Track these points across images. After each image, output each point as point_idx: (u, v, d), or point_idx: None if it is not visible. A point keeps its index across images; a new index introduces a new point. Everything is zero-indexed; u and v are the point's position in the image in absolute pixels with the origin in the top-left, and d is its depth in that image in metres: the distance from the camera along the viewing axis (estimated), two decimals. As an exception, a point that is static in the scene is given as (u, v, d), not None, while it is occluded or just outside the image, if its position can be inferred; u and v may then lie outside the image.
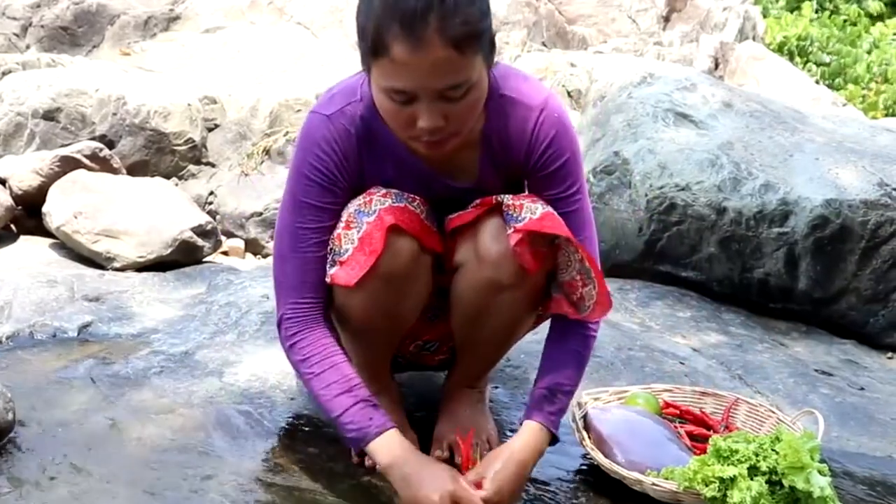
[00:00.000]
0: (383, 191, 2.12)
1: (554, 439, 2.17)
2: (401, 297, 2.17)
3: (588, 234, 2.21)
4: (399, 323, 2.25)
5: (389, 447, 2.06)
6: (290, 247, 2.15)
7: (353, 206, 2.11)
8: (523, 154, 2.15)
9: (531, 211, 2.09)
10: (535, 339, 2.45)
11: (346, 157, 2.12)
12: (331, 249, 2.12)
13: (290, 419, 2.45)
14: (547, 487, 2.27)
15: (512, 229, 2.08)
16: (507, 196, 2.13)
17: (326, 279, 2.13)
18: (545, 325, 2.28)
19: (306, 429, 2.42)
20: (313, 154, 2.12)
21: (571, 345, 2.23)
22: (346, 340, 2.25)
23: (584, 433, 2.32)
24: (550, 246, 2.14)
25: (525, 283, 2.15)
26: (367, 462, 2.23)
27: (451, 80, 1.90)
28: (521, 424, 2.17)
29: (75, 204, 3.73)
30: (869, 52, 8.99)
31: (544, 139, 2.14)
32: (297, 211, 2.14)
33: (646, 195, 3.68)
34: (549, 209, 2.11)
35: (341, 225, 2.11)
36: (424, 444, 2.31)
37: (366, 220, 2.07)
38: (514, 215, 2.09)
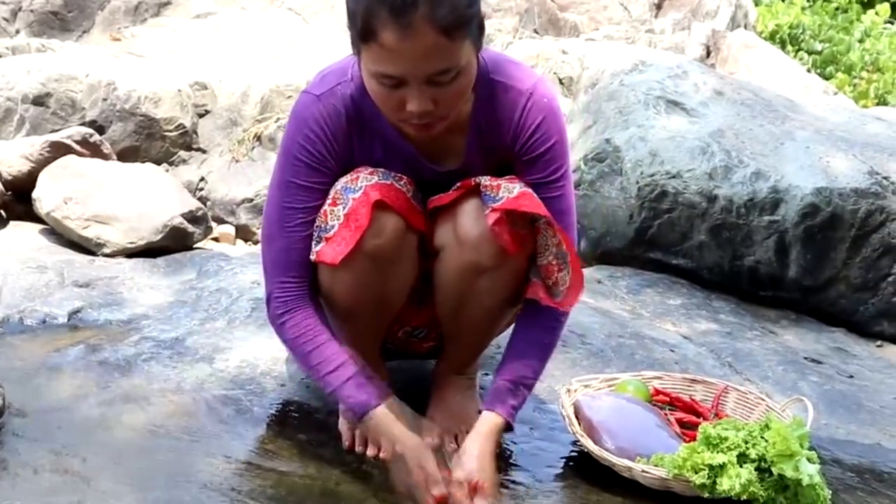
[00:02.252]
0: (370, 169, 2.14)
1: (508, 428, 2.21)
2: (387, 276, 2.18)
3: (570, 221, 2.23)
4: (386, 304, 2.25)
5: (384, 423, 2.12)
6: (278, 226, 2.17)
7: (340, 184, 2.13)
8: (510, 137, 2.17)
9: (508, 191, 2.10)
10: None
11: (335, 138, 2.14)
12: (317, 226, 2.14)
13: (281, 405, 2.45)
14: (536, 475, 2.28)
15: (489, 209, 2.09)
16: (485, 177, 2.14)
17: (312, 257, 2.15)
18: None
19: (296, 415, 2.42)
20: (303, 134, 2.14)
21: (540, 336, 2.26)
22: (335, 324, 2.25)
23: (574, 420, 2.32)
24: (530, 228, 2.15)
25: (506, 266, 2.16)
26: (358, 448, 2.24)
27: (439, 65, 1.91)
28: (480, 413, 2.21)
29: (65, 189, 3.72)
30: (861, 41, 8.98)
31: (532, 123, 2.15)
32: (284, 190, 2.16)
33: (637, 182, 3.68)
34: (528, 189, 2.13)
35: (328, 202, 2.12)
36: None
37: (352, 196, 2.09)
38: (492, 195, 2.10)
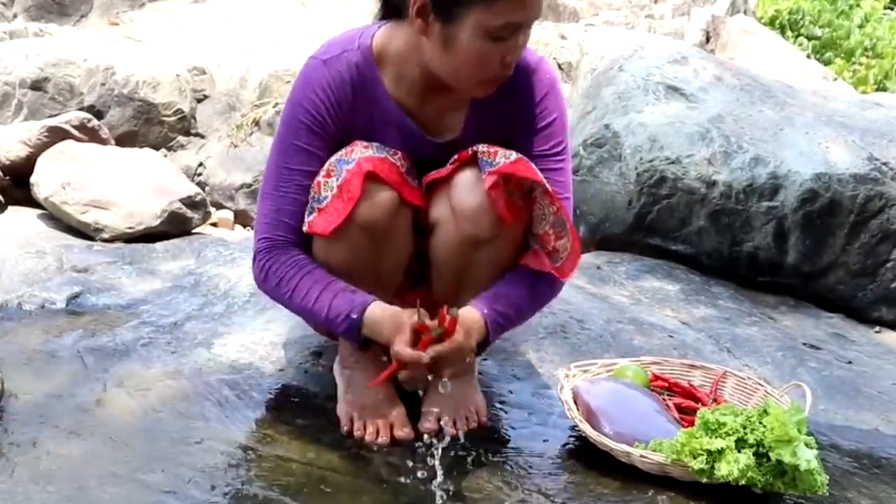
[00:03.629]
0: (365, 143, 2.16)
1: (485, 341, 2.18)
2: (381, 249, 2.19)
3: (568, 195, 2.27)
4: (381, 280, 2.25)
5: (377, 318, 2.11)
6: (273, 185, 2.20)
7: (334, 157, 2.16)
8: (514, 111, 2.22)
9: (506, 157, 2.13)
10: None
11: (338, 104, 2.17)
12: (311, 197, 2.16)
13: (279, 390, 2.45)
14: (535, 459, 2.28)
15: (486, 173, 2.10)
16: (481, 145, 2.16)
17: (305, 227, 2.17)
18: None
19: (295, 400, 2.42)
20: (307, 97, 2.17)
21: (538, 285, 2.26)
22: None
23: (573, 405, 2.32)
24: (526, 199, 2.17)
25: (503, 237, 2.18)
26: (357, 433, 2.24)
27: (540, 10, 2.07)
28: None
29: (63, 174, 3.71)
30: (860, 27, 8.96)
31: (536, 96, 2.22)
32: (284, 151, 2.20)
33: (636, 168, 3.68)
34: (524, 157, 2.14)
35: (322, 173, 2.15)
36: (412, 414, 2.32)
37: (345, 167, 2.11)
38: (489, 160, 2.13)
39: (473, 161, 2.15)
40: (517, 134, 2.23)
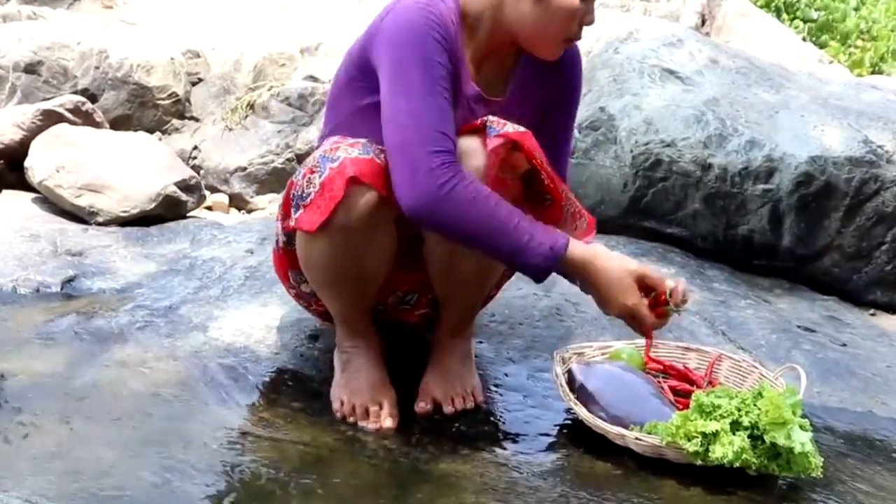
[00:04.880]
0: (351, 140, 2.16)
1: None
2: (361, 248, 2.18)
3: (566, 167, 2.47)
4: (365, 274, 2.26)
5: (584, 249, 2.15)
6: (421, 95, 2.09)
7: (318, 152, 2.16)
8: (554, 80, 2.36)
9: (514, 128, 2.16)
10: (518, 294, 2.47)
11: (445, 39, 2.15)
12: (294, 193, 2.17)
13: (275, 373, 2.46)
14: (530, 443, 2.29)
15: (491, 137, 2.14)
16: (491, 116, 2.19)
17: (291, 223, 2.19)
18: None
19: (291, 383, 2.42)
20: (427, 25, 2.13)
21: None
22: (318, 291, 2.30)
23: (568, 388, 2.32)
24: (514, 183, 2.20)
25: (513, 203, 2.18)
26: (350, 418, 2.26)
27: None
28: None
29: (58, 158, 3.70)
30: (856, 9, 8.95)
31: (574, 67, 2.41)
32: (423, 79, 2.10)
33: (631, 151, 3.68)
34: (530, 133, 2.18)
35: (304, 169, 2.16)
36: (409, 395, 2.32)
37: (329, 165, 2.11)
38: (497, 129, 2.15)
39: (476, 131, 2.17)
40: (551, 102, 2.36)
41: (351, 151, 2.13)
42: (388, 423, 2.25)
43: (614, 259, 2.19)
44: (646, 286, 2.20)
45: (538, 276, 2.14)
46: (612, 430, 2.21)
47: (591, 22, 2.22)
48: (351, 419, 2.25)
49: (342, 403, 2.28)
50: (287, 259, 2.36)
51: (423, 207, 2.05)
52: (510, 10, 2.21)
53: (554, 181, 2.23)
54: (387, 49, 2.15)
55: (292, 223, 2.19)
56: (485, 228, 2.07)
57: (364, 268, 2.23)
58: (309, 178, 2.14)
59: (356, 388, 2.29)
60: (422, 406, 2.32)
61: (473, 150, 2.15)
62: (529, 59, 2.32)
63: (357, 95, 2.27)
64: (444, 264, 2.28)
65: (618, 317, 2.23)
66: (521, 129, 2.17)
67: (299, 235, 2.21)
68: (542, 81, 2.36)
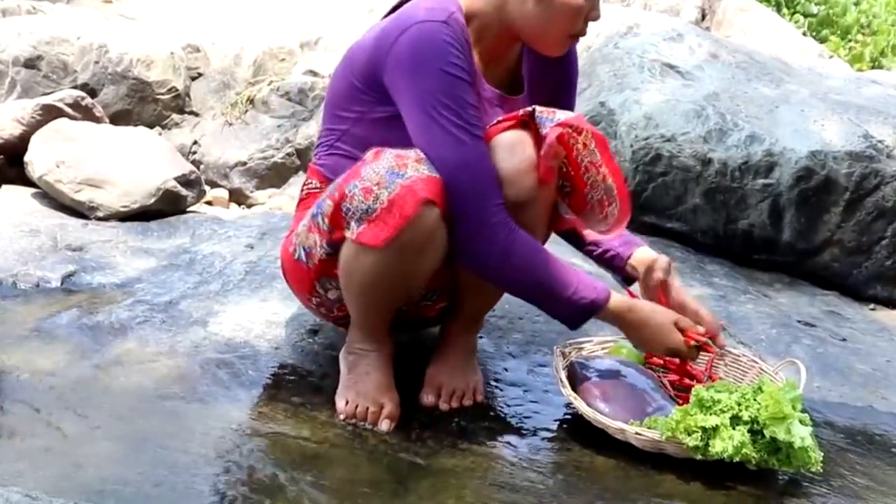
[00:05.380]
0: (415, 155, 2.11)
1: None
2: (415, 265, 2.18)
3: None
4: (410, 289, 2.28)
5: (621, 302, 2.24)
6: (465, 151, 2.12)
7: (383, 168, 2.09)
8: (558, 70, 2.40)
9: (565, 114, 2.19)
10: (519, 289, 2.46)
11: (465, 59, 2.16)
12: (354, 205, 2.10)
13: (275, 369, 2.46)
14: (529, 437, 2.29)
15: (549, 127, 2.16)
16: (538, 106, 2.20)
17: (349, 235, 2.12)
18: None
19: (291, 378, 2.42)
20: (448, 54, 2.12)
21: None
22: (348, 296, 2.25)
23: (568, 383, 2.33)
24: (554, 169, 2.22)
25: (540, 199, 2.22)
26: (351, 419, 2.25)
27: None
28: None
29: (57, 153, 3.70)
30: (857, 4, 8.94)
31: (572, 56, 2.44)
32: (455, 112, 2.12)
33: (631, 146, 3.68)
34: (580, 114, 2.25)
35: (369, 182, 2.09)
36: (409, 390, 2.32)
37: (398, 181, 2.07)
38: (549, 118, 2.17)
39: (517, 123, 2.18)
40: (559, 92, 2.39)
41: (419, 169, 2.09)
42: (384, 425, 2.24)
43: (648, 309, 2.29)
44: (680, 329, 2.30)
45: (574, 325, 2.24)
46: (612, 425, 2.21)
47: (596, 17, 2.23)
48: (351, 420, 2.25)
49: (347, 403, 2.28)
50: (322, 268, 2.26)
51: (483, 265, 2.18)
52: (514, 9, 2.21)
53: (596, 167, 2.25)
54: (408, 81, 2.14)
55: (349, 235, 2.12)
56: (534, 281, 2.18)
57: (411, 284, 2.24)
58: (376, 193, 2.07)
59: (363, 391, 2.28)
60: (426, 401, 2.35)
61: (522, 142, 2.16)
62: (530, 52, 2.34)
63: (365, 106, 2.25)
64: None
65: (666, 354, 2.37)
66: (570, 113, 2.21)
67: (353, 247, 2.14)
68: (546, 71, 2.38)
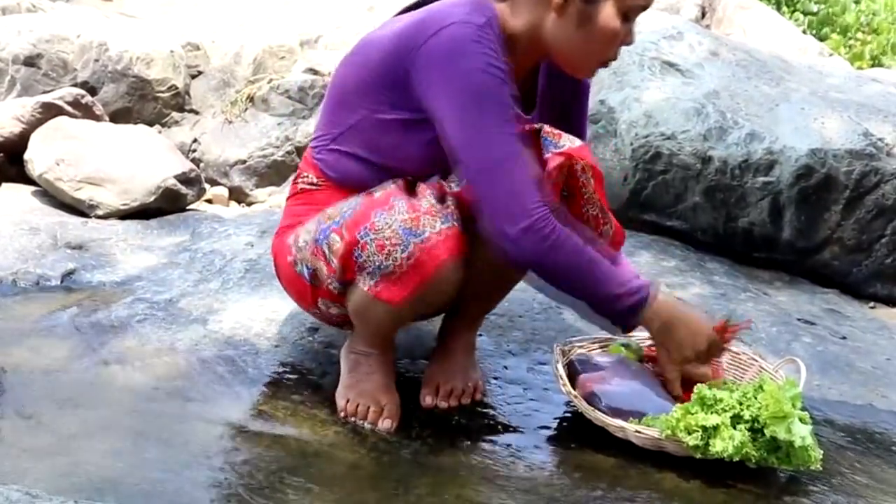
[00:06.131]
0: (427, 204, 2.09)
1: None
2: (430, 308, 2.24)
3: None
4: (417, 318, 2.30)
5: (666, 297, 2.23)
6: (506, 152, 2.08)
7: (396, 222, 2.05)
8: (570, 86, 2.37)
9: (570, 141, 2.19)
10: (518, 287, 2.46)
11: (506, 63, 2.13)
12: (370, 260, 2.08)
13: (275, 367, 2.46)
14: (529, 435, 2.29)
15: (550, 153, 2.15)
16: (545, 125, 2.20)
17: (364, 287, 2.11)
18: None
19: (291, 376, 2.42)
20: (489, 54, 2.08)
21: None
22: (359, 325, 2.26)
23: (568, 381, 2.32)
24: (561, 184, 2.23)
25: None
26: (351, 418, 2.25)
27: None
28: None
29: (57, 151, 3.70)
30: (857, 2, 8.94)
31: None
32: (497, 112, 2.08)
33: (631, 144, 3.68)
34: (586, 145, 2.24)
35: (383, 237, 2.05)
36: (414, 385, 2.32)
37: (414, 241, 2.05)
38: (554, 141, 2.17)
39: (529, 140, 2.17)
40: (570, 107, 2.38)
41: (435, 224, 2.07)
42: (386, 424, 2.24)
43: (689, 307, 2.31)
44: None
45: (628, 319, 2.20)
46: (612, 423, 2.21)
47: (630, 43, 2.21)
48: (351, 419, 2.25)
49: (348, 402, 2.27)
50: (330, 296, 2.23)
51: (531, 259, 2.11)
52: (551, 31, 2.16)
53: (591, 188, 2.27)
54: (444, 77, 2.08)
55: (364, 286, 2.11)
56: (582, 276, 2.13)
57: (420, 317, 2.29)
58: (389, 251, 2.05)
59: (365, 390, 2.27)
60: (429, 399, 2.35)
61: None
62: (545, 70, 2.32)
63: (375, 104, 2.19)
64: (490, 266, 2.24)
65: (688, 360, 2.29)
66: (577, 140, 2.21)
67: (368, 296, 2.13)
68: (557, 87, 2.35)
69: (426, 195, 2.11)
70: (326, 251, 2.14)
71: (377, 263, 2.07)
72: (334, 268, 2.14)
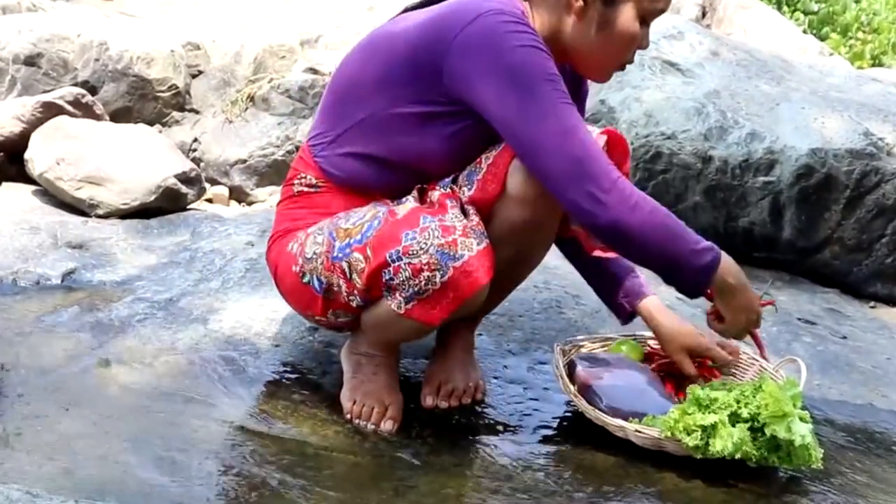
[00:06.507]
0: (459, 223, 2.06)
1: None
2: (456, 317, 2.19)
3: None
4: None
5: (731, 265, 2.23)
6: (572, 119, 2.06)
7: (431, 244, 2.02)
8: (576, 87, 2.36)
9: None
10: (518, 287, 2.46)
11: None
12: (393, 278, 2.05)
13: (275, 366, 2.46)
14: (530, 435, 2.29)
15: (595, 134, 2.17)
16: None
17: (395, 308, 2.09)
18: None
19: (291, 376, 2.42)
20: (531, 37, 2.07)
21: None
22: (375, 335, 2.25)
23: (568, 380, 2.33)
24: None
25: (556, 218, 2.24)
26: (356, 419, 2.25)
27: None
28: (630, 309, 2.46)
29: (58, 150, 3.70)
30: (857, 2, 8.94)
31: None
32: (551, 85, 2.06)
33: (632, 143, 3.67)
34: None
35: (417, 260, 2.02)
36: (414, 385, 2.32)
37: (451, 264, 2.02)
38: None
39: None
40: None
41: (471, 245, 2.05)
42: (388, 425, 2.24)
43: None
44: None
45: (702, 276, 2.17)
46: (612, 423, 2.21)
47: (646, 46, 2.25)
48: (357, 420, 2.25)
49: (354, 403, 2.27)
50: (346, 308, 2.20)
51: (617, 218, 2.05)
52: (570, 34, 2.17)
53: None
54: (490, 61, 2.05)
55: (395, 307, 2.08)
56: (663, 233, 2.11)
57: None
58: (428, 277, 2.02)
59: (369, 391, 2.27)
60: (430, 399, 2.35)
61: (527, 173, 2.13)
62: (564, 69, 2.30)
63: (392, 100, 2.15)
64: (507, 265, 2.22)
65: (739, 326, 2.28)
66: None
67: (396, 312, 2.10)
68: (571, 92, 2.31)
69: (450, 210, 2.09)
70: (346, 269, 2.10)
71: (414, 287, 2.05)
72: (357, 286, 2.11)
